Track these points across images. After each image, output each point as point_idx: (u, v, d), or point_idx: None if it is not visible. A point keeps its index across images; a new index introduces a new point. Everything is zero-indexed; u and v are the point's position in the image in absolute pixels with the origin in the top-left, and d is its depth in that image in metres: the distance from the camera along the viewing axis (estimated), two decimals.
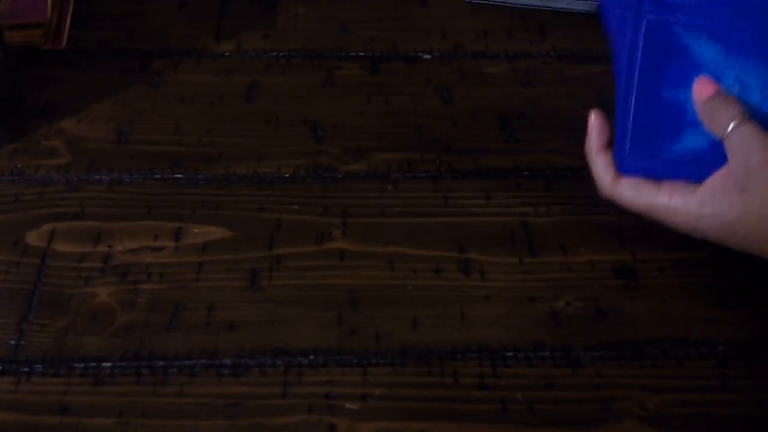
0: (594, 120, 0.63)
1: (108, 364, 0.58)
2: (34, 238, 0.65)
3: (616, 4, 0.62)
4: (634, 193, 0.61)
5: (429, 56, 0.83)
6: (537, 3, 0.88)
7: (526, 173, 0.71)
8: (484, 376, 0.58)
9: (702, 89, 0.60)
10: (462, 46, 0.84)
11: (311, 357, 0.59)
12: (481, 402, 0.57)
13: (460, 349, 0.60)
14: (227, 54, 0.82)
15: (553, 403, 0.57)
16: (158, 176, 0.70)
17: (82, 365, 0.58)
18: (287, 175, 0.71)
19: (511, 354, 0.59)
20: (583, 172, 0.65)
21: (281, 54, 0.82)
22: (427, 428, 0.56)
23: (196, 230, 0.66)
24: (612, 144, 0.62)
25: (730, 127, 0.58)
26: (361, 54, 0.83)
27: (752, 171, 0.56)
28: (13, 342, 0.59)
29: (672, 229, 0.61)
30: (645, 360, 0.59)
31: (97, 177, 0.70)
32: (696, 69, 0.60)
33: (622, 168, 0.62)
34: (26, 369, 0.58)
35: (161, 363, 0.58)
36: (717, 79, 0.60)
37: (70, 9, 0.84)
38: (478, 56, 0.83)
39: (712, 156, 0.59)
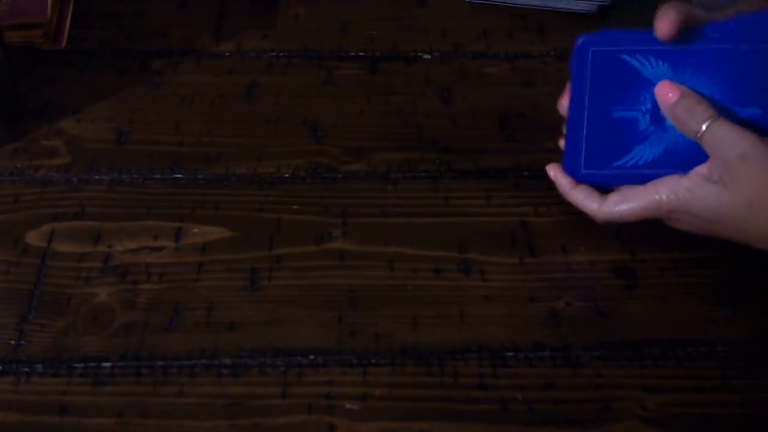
0: (554, 170, 0.67)
1: (108, 364, 0.58)
2: (34, 238, 0.65)
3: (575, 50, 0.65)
4: (624, 204, 0.63)
5: (429, 56, 0.83)
6: (537, 3, 0.88)
7: (526, 173, 0.71)
8: (484, 376, 0.58)
9: (666, 93, 0.62)
10: (462, 46, 0.84)
11: (311, 357, 0.59)
12: (481, 402, 0.57)
13: (460, 349, 0.60)
14: (227, 54, 0.82)
15: (553, 403, 0.57)
16: (158, 176, 0.70)
17: (82, 365, 0.58)
18: (287, 175, 0.71)
19: (511, 354, 0.59)
20: None
21: (281, 54, 0.82)
22: (427, 428, 0.56)
23: (195, 230, 0.66)
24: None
25: (703, 126, 0.60)
26: (361, 54, 0.83)
27: (732, 165, 0.58)
28: (13, 342, 0.59)
29: (670, 224, 0.62)
30: (645, 360, 0.59)
31: (97, 177, 0.70)
32: (646, 86, 0.63)
33: (577, 179, 0.66)
34: (26, 369, 0.58)
35: (161, 363, 0.58)
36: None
37: (70, 9, 0.84)
38: (478, 56, 0.83)
39: (665, 160, 0.64)
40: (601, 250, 0.66)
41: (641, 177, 0.63)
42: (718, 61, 0.62)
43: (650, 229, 0.65)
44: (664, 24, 0.61)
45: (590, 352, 0.60)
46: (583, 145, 0.65)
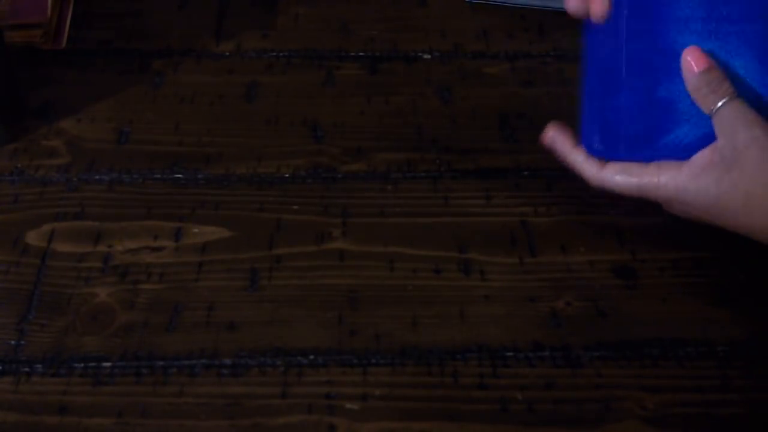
0: (551, 131, 0.65)
1: (108, 364, 0.58)
2: (34, 238, 0.65)
3: (599, 30, 0.63)
4: (623, 176, 0.61)
5: (429, 56, 0.83)
6: (537, 3, 0.88)
7: (526, 173, 0.71)
8: (484, 376, 0.58)
9: (694, 62, 0.60)
10: (462, 46, 0.84)
11: (311, 357, 0.59)
12: (481, 402, 0.57)
13: (460, 349, 0.60)
14: (227, 54, 0.82)
15: (552, 403, 0.57)
16: (158, 176, 0.70)
17: (82, 365, 0.58)
18: (287, 175, 0.71)
19: (511, 354, 0.59)
20: None
21: (281, 54, 0.82)
22: (427, 428, 0.56)
23: (195, 230, 0.66)
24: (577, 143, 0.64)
25: (719, 103, 0.59)
26: (361, 54, 0.83)
27: (739, 148, 0.57)
28: (13, 342, 0.59)
29: (665, 208, 0.61)
30: (645, 360, 0.59)
31: (97, 177, 0.70)
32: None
33: (614, 157, 0.62)
34: (26, 369, 0.58)
35: (161, 363, 0.58)
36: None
37: (70, 9, 0.84)
38: (478, 56, 0.83)
39: (703, 144, 0.59)
40: (601, 250, 0.66)
41: (680, 158, 0.60)
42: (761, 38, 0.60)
43: (650, 229, 0.65)
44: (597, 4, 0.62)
45: (590, 352, 0.60)
46: (624, 122, 0.61)
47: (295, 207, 0.68)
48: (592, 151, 0.63)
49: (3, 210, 0.67)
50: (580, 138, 0.64)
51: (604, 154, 0.62)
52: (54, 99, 0.77)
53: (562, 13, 0.88)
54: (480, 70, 0.81)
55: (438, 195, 0.70)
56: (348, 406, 0.56)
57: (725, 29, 0.60)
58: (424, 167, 0.72)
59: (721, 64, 0.60)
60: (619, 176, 0.61)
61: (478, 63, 0.82)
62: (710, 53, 0.60)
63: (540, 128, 0.70)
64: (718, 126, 0.59)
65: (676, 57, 0.60)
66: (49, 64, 0.80)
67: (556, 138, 0.65)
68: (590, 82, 0.64)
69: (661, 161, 0.60)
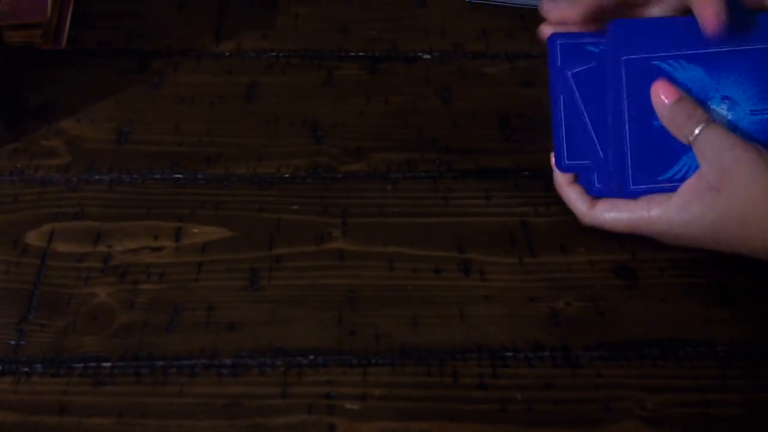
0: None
1: (108, 364, 0.58)
2: (34, 238, 0.65)
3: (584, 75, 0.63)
4: (613, 212, 0.62)
5: (429, 56, 0.83)
6: (537, 3, 0.88)
7: (526, 173, 0.71)
8: (484, 376, 0.58)
9: (664, 95, 0.61)
10: (462, 46, 0.84)
11: (311, 357, 0.59)
12: (481, 402, 0.57)
13: (459, 349, 0.60)
14: (227, 54, 0.82)
15: (552, 403, 0.57)
16: (158, 176, 0.70)
17: (82, 365, 0.58)
18: (287, 175, 0.71)
19: (510, 354, 0.59)
20: None
21: (281, 54, 0.82)
22: (427, 428, 0.56)
23: (195, 230, 0.66)
24: (576, 178, 0.65)
25: (696, 131, 0.59)
26: (361, 54, 0.83)
27: (725, 170, 0.58)
28: (13, 342, 0.59)
29: (661, 241, 0.62)
30: (645, 360, 0.59)
31: (97, 177, 0.70)
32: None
33: (625, 196, 0.63)
34: (26, 369, 0.58)
35: (161, 363, 0.58)
36: (704, 98, 0.61)
37: (70, 9, 0.84)
38: (478, 56, 0.83)
39: None
40: (601, 250, 0.66)
41: None
42: (752, 60, 0.61)
43: None
44: (712, 19, 0.58)
45: (590, 352, 0.60)
46: (629, 159, 0.62)
47: (295, 207, 0.68)
48: (593, 192, 0.64)
49: (3, 210, 0.67)
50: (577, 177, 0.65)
51: (607, 194, 0.63)
52: (54, 99, 0.77)
53: None
54: (480, 70, 0.81)
55: (438, 195, 0.70)
56: (348, 406, 0.56)
57: (711, 53, 0.61)
58: (424, 167, 0.72)
59: (712, 89, 0.61)
60: (608, 214, 0.62)
61: (478, 63, 0.82)
62: (700, 79, 0.61)
63: (540, 128, 0.70)
64: (699, 153, 0.59)
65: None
66: (49, 64, 0.80)
67: (555, 172, 0.65)
68: (556, 123, 0.65)
69: (651, 195, 0.61)
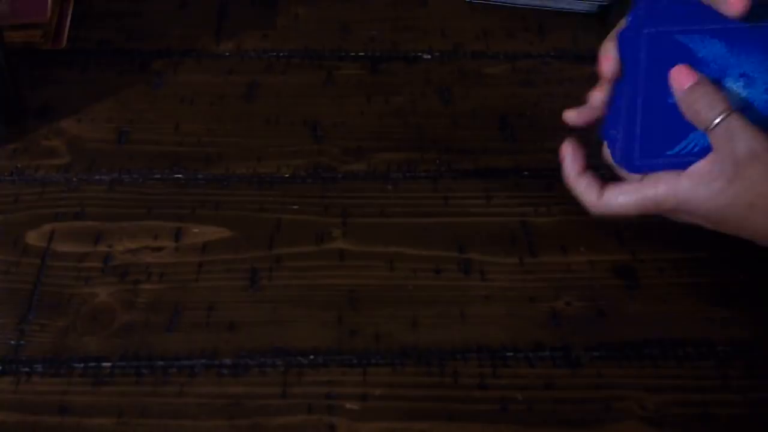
0: (569, 147, 0.64)
1: (108, 364, 0.58)
2: (34, 238, 0.65)
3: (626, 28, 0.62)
4: (622, 197, 0.61)
5: (429, 56, 0.83)
6: (537, 3, 0.88)
7: (526, 173, 0.71)
8: (484, 376, 0.58)
9: (681, 79, 0.60)
10: (462, 46, 0.84)
11: (311, 357, 0.59)
12: (481, 402, 0.57)
13: (460, 349, 0.60)
14: (227, 54, 0.82)
15: (552, 403, 0.57)
16: (158, 176, 0.70)
17: (82, 365, 0.58)
18: (287, 175, 0.71)
19: (511, 354, 0.59)
20: None
21: (281, 54, 0.82)
22: (427, 428, 0.56)
23: (196, 230, 0.66)
24: (586, 168, 0.63)
25: (718, 119, 0.58)
26: (361, 54, 0.83)
27: (740, 163, 0.57)
28: (13, 342, 0.59)
29: (671, 218, 0.61)
30: (645, 360, 0.59)
31: (97, 177, 0.70)
32: (701, 68, 0.60)
33: (631, 170, 0.62)
34: (26, 369, 0.58)
35: (161, 363, 0.58)
36: (722, 75, 0.60)
37: (70, 9, 0.84)
38: (478, 56, 0.83)
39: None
40: (601, 250, 0.66)
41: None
42: None
43: (650, 229, 0.65)
44: (736, 2, 0.58)
45: (590, 352, 0.60)
46: (638, 134, 0.61)
47: (295, 207, 0.68)
48: (615, 158, 0.62)
49: (3, 210, 0.67)
50: (606, 144, 0.63)
51: (625, 163, 0.62)
52: (54, 99, 0.77)
53: (562, 13, 0.88)
54: (480, 70, 0.81)
55: (438, 195, 0.70)
56: (348, 406, 0.56)
57: (733, 28, 0.60)
58: (424, 167, 0.72)
59: (732, 65, 0.60)
60: (618, 198, 0.61)
61: (478, 63, 0.82)
62: (720, 55, 0.60)
63: (540, 128, 0.71)
64: (716, 141, 0.58)
65: (692, 60, 0.60)
66: (49, 64, 0.80)
67: (567, 159, 0.64)
68: (615, 93, 0.63)
69: (657, 174, 0.60)
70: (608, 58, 0.62)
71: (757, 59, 0.60)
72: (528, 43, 0.84)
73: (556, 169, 0.70)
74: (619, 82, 0.63)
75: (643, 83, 0.61)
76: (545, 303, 0.62)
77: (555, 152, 0.70)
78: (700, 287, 0.64)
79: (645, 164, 0.61)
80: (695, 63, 0.60)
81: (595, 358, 0.59)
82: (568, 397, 0.57)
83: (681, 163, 0.60)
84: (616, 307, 0.62)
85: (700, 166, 0.59)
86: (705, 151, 0.60)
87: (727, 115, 0.58)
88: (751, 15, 0.59)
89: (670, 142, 0.61)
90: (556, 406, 0.57)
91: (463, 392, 0.57)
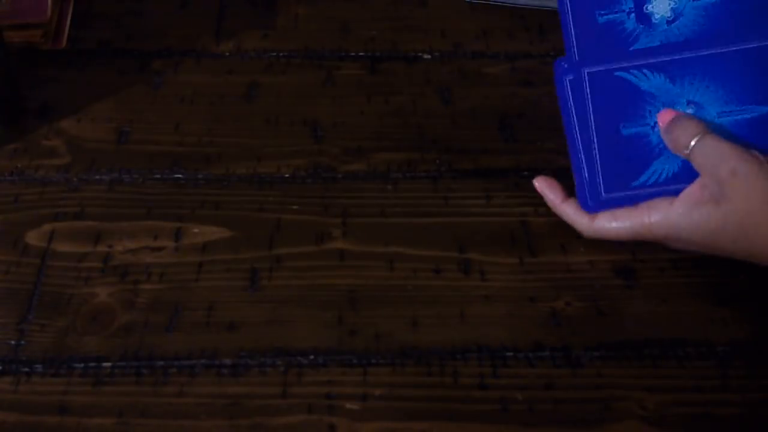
0: (539, 184, 0.66)
1: (108, 364, 0.58)
2: (34, 238, 0.65)
3: (558, 69, 0.65)
4: (615, 223, 0.63)
5: (429, 56, 0.83)
6: (537, 3, 0.88)
7: (526, 173, 0.71)
8: (484, 376, 0.58)
9: (663, 119, 0.62)
10: (462, 46, 0.84)
11: (311, 357, 0.59)
12: (481, 402, 0.57)
13: (460, 349, 0.60)
14: (227, 54, 0.82)
15: (553, 403, 0.57)
16: (158, 176, 0.70)
17: (82, 365, 0.58)
18: (287, 175, 0.71)
19: (511, 354, 0.59)
20: None
21: (281, 54, 0.82)
22: (427, 428, 0.56)
23: (196, 230, 0.66)
24: (569, 194, 0.65)
25: (692, 143, 0.60)
26: (361, 54, 0.83)
27: (723, 181, 0.58)
28: (13, 342, 0.59)
29: (662, 245, 0.62)
30: (645, 360, 0.59)
31: (97, 177, 0.70)
32: (647, 100, 0.63)
33: (598, 208, 0.64)
34: (26, 369, 0.58)
35: (161, 363, 0.58)
36: (670, 105, 0.63)
37: (70, 9, 0.84)
38: (478, 56, 0.83)
39: (685, 174, 0.62)
40: (601, 250, 0.66)
41: (666, 194, 0.62)
42: (715, 64, 0.62)
43: None
44: None
45: (590, 352, 0.60)
46: (599, 168, 0.64)
47: (295, 207, 0.68)
48: (587, 208, 0.64)
49: (3, 210, 0.67)
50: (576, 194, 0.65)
51: (596, 208, 0.64)
52: (54, 99, 0.77)
53: None
54: (480, 70, 0.81)
55: (438, 195, 0.70)
56: (348, 406, 0.56)
57: (673, 59, 0.62)
58: (424, 167, 0.72)
59: (677, 95, 0.62)
60: (610, 224, 0.63)
61: (478, 63, 0.82)
62: (663, 87, 0.62)
63: (540, 128, 0.71)
64: (697, 165, 0.60)
65: (637, 94, 0.62)
66: (49, 64, 0.80)
67: (545, 192, 0.66)
68: (569, 143, 0.65)
69: (650, 201, 0.62)
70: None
71: (701, 86, 0.62)
72: (528, 43, 0.84)
73: (556, 169, 0.70)
74: (570, 129, 0.64)
75: (593, 119, 0.63)
76: (545, 303, 0.62)
77: (555, 152, 0.70)
78: (700, 287, 0.64)
79: (611, 198, 0.64)
80: (641, 95, 0.63)
81: (595, 358, 0.59)
82: (569, 397, 0.57)
83: (651, 195, 0.62)
84: (616, 307, 0.62)
85: (689, 191, 0.60)
86: (674, 178, 0.62)
87: (701, 137, 0.60)
88: (686, 45, 0.61)
89: (632, 173, 0.64)
90: (557, 406, 0.57)
91: (463, 392, 0.57)
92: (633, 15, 0.62)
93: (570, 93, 0.64)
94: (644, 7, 0.62)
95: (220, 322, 0.61)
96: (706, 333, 0.61)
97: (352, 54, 0.83)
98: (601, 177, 0.64)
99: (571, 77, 0.63)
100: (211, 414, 0.56)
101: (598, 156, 0.63)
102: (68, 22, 0.83)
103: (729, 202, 0.58)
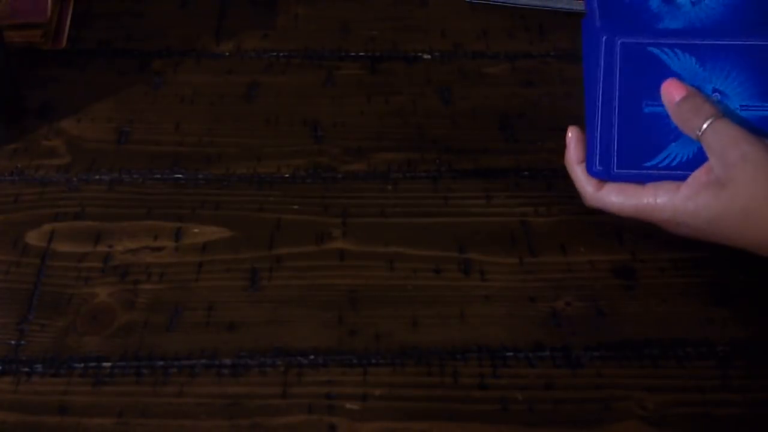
0: (572, 135, 0.65)
1: (108, 364, 0.58)
2: (34, 238, 0.65)
3: (591, 31, 0.63)
4: (620, 197, 0.62)
5: (429, 56, 0.83)
6: (537, 3, 0.88)
7: (526, 173, 0.71)
8: (484, 376, 0.58)
9: (672, 92, 0.61)
10: (462, 46, 0.84)
11: (311, 357, 0.59)
12: (481, 402, 0.57)
13: (460, 349, 0.60)
14: (227, 54, 0.82)
15: (553, 403, 0.57)
16: (158, 176, 0.70)
17: (82, 365, 0.58)
18: (287, 175, 0.71)
19: (511, 354, 0.59)
20: None
21: (281, 54, 0.82)
22: (427, 428, 0.56)
23: (196, 230, 0.66)
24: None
25: (704, 126, 0.59)
26: (361, 54, 0.83)
27: (730, 166, 0.57)
28: (13, 342, 0.59)
29: (663, 229, 0.62)
30: (645, 360, 0.59)
31: (97, 177, 0.70)
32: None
33: (608, 179, 0.63)
34: (26, 369, 0.58)
35: (161, 363, 0.58)
36: (696, 88, 0.61)
37: (70, 9, 0.84)
38: (478, 56, 0.83)
39: (697, 162, 0.61)
40: (601, 250, 0.66)
41: (676, 178, 0.61)
42: (746, 56, 0.61)
43: (650, 229, 0.64)
44: None
45: (590, 352, 0.60)
46: (615, 142, 0.62)
47: (295, 207, 0.68)
48: (592, 173, 0.64)
49: (3, 210, 0.67)
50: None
51: (603, 176, 0.63)
52: (54, 99, 0.77)
53: (562, 13, 0.88)
54: (480, 70, 0.81)
55: (438, 195, 0.70)
56: (348, 406, 0.56)
57: (706, 44, 0.61)
58: (424, 167, 0.72)
59: (704, 80, 0.61)
60: (616, 197, 0.62)
61: (478, 63, 0.82)
62: (692, 70, 0.61)
63: (540, 128, 0.70)
64: (707, 147, 0.59)
65: (666, 73, 0.61)
66: (49, 64, 0.80)
67: (570, 145, 0.65)
68: (587, 105, 0.64)
69: (658, 182, 0.61)
70: None
71: (729, 76, 0.62)
72: (528, 43, 0.84)
73: (556, 169, 0.70)
74: (590, 87, 0.63)
75: (618, 91, 0.62)
76: (545, 303, 0.62)
77: (555, 152, 0.70)
78: (700, 287, 0.64)
79: (622, 174, 0.63)
80: (669, 75, 0.61)
81: (595, 358, 0.59)
82: (568, 397, 0.57)
83: (660, 177, 0.61)
84: (616, 307, 0.62)
85: (696, 175, 0.60)
86: (686, 164, 0.61)
87: (714, 120, 0.59)
88: (722, 32, 0.60)
89: (647, 153, 0.62)
90: (557, 406, 0.57)
91: (463, 392, 0.57)
92: None
93: (603, 57, 0.62)
94: None
95: (220, 322, 0.61)
96: (706, 333, 0.61)
97: (352, 54, 0.83)
98: (615, 151, 0.62)
99: (607, 39, 0.61)
100: (211, 414, 0.56)
101: (616, 130, 0.62)
102: (68, 22, 0.83)
103: (734, 185, 0.57)
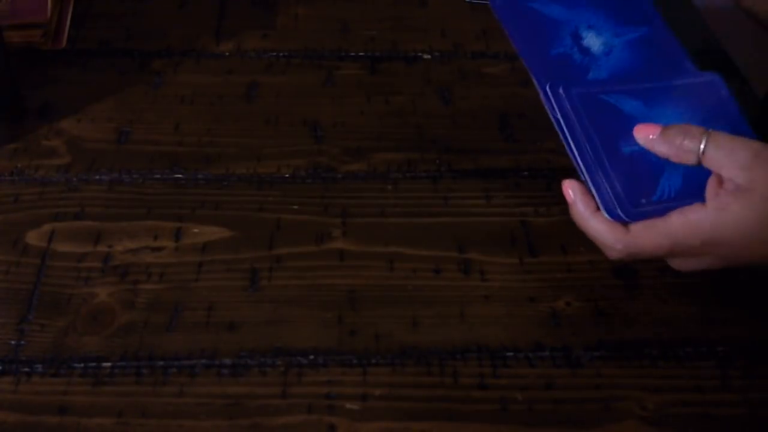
0: (572, 187, 0.60)
1: (108, 364, 0.58)
2: (34, 238, 0.65)
3: (543, 91, 0.64)
4: (652, 232, 0.58)
5: (429, 56, 0.83)
6: None
7: (526, 173, 0.71)
8: (484, 376, 0.58)
9: (647, 132, 0.60)
10: (462, 46, 0.84)
11: (311, 357, 0.59)
12: (481, 402, 0.57)
13: (460, 349, 0.60)
14: (227, 54, 0.82)
15: (553, 403, 0.57)
16: (158, 176, 0.70)
17: (82, 365, 0.58)
18: (287, 175, 0.71)
19: (511, 354, 0.59)
20: None
21: (281, 54, 0.82)
22: (427, 428, 0.56)
23: (195, 230, 0.66)
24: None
25: (702, 145, 0.58)
26: (361, 54, 0.83)
27: (747, 168, 0.56)
28: (13, 342, 0.59)
29: (702, 257, 0.59)
30: (645, 360, 0.59)
31: (97, 177, 0.70)
32: (632, 123, 0.62)
33: (631, 217, 0.60)
34: (26, 369, 0.58)
35: (161, 363, 0.58)
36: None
37: (70, 9, 0.84)
38: (478, 56, 0.83)
39: (688, 188, 0.60)
40: (601, 250, 0.66)
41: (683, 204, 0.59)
42: (686, 94, 0.63)
43: None
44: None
45: (590, 352, 0.60)
46: (617, 183, 0.60)
47: (295, 207, 0.68)
48: (614, 217, 0.59)
49: (3, 210, 0.67)
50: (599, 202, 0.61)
51: (624, 218, 0.59)
52: (54, 99, 0.77)
53: None
54: (480, 70, 0.81)
55: (438, 195, 0.70)
56: (348, 406, 0.56)
57: (645, 87, 0.63)
58: (424, 167, 0.72)
59: (653, 121, 0.62)
60: (648, 234, 0.58)
61: (478, 63, 0.82)
62: (641, 111, 0.62)
63: (540, 128, 0.70)
64: (715, 163, 0.57)
65: (618, 119, 0.62)
66: (49, 64, 0.80)
67: (577, 202, 0.60)
68: (578, 160, 0.62)
69: (683, 208, 0.58)
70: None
71: (673, 114, 0.62)
72: None
73: (556, 169, 0.70)
74: (580, 147, 0.62)
75: (595, 135, 0.62)
76: (545, 303, 0.62)
77: (555, 152, 0.70)
78: (700, 287, 0.64)
79: (641, 212, 0.59)
80: (623, 118, 0.62)
81: (595, 358, 0.59)
82: (568, 397, 0.57)
83: (670, 209, 0.59)
84: (616, 307, 0.62)
85: (715, 192, 0.57)
86: (680, 193, 0.60)
87: (709, 135, 0.58)
88: (659, 74, 0.63)
89: (648, 189, 0.61)
90: (556, 406, 0.57)
91: (463, 392, 0.57)
92: (576, 48, 0.64)
93: (573, 110, 0.62)
94: (581, 43, 0.64)
95: (220, 322, 0.61)
96: (706, 333, 0.61)
97: (352, 54, 0.83)
98: (623, 192, 0.60)
99: (570, 94, 0.62)
100: (211, 414, 0.56)
101: (613, 173, 0.60)
102: (68, 22, 0.83)
103: (760, 183, 0.55)
